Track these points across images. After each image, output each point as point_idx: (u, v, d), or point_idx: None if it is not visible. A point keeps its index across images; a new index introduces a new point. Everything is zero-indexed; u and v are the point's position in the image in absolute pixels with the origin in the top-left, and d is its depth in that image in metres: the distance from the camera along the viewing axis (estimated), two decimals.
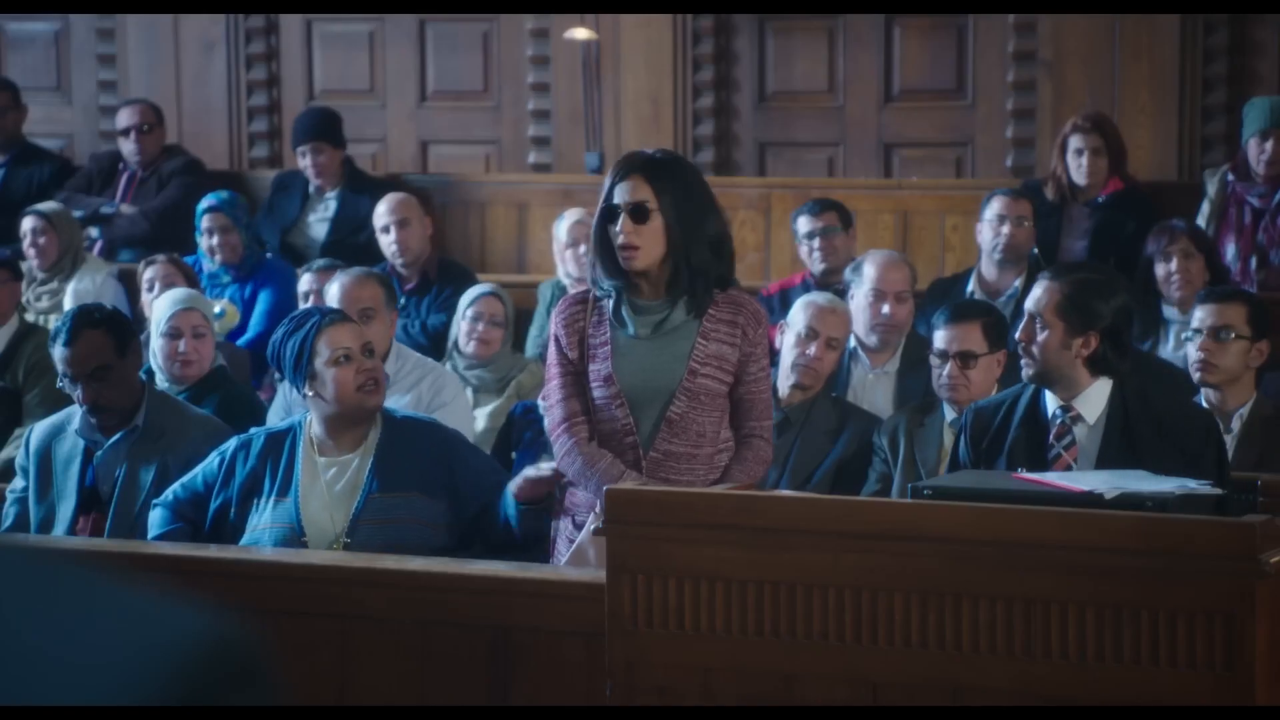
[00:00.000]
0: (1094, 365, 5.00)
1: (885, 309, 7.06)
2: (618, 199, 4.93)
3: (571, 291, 5.89)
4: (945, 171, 10.16)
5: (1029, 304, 5.07)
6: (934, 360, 6.27)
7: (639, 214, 4.93)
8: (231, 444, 5.41)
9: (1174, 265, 7.60)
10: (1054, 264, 5.56)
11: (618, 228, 4.92)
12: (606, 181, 5.02)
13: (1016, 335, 5.09)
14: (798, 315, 6.54)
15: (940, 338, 6.24)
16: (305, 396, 5.34)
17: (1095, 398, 5.01)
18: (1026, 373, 5.07)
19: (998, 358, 6.16)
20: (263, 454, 5.34)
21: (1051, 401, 5.04)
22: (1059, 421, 5.02)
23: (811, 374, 6.45)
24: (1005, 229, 7.85)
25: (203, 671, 1.24)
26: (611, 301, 5.06)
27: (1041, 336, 4.99)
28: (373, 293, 6.55)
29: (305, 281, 7.69)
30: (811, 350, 6.45)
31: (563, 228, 8.49)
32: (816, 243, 8.03)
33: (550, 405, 5.16)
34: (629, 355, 5.01)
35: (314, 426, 5.35)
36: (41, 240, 8.81)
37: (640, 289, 5.03)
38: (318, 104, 10.38)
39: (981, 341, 6.17)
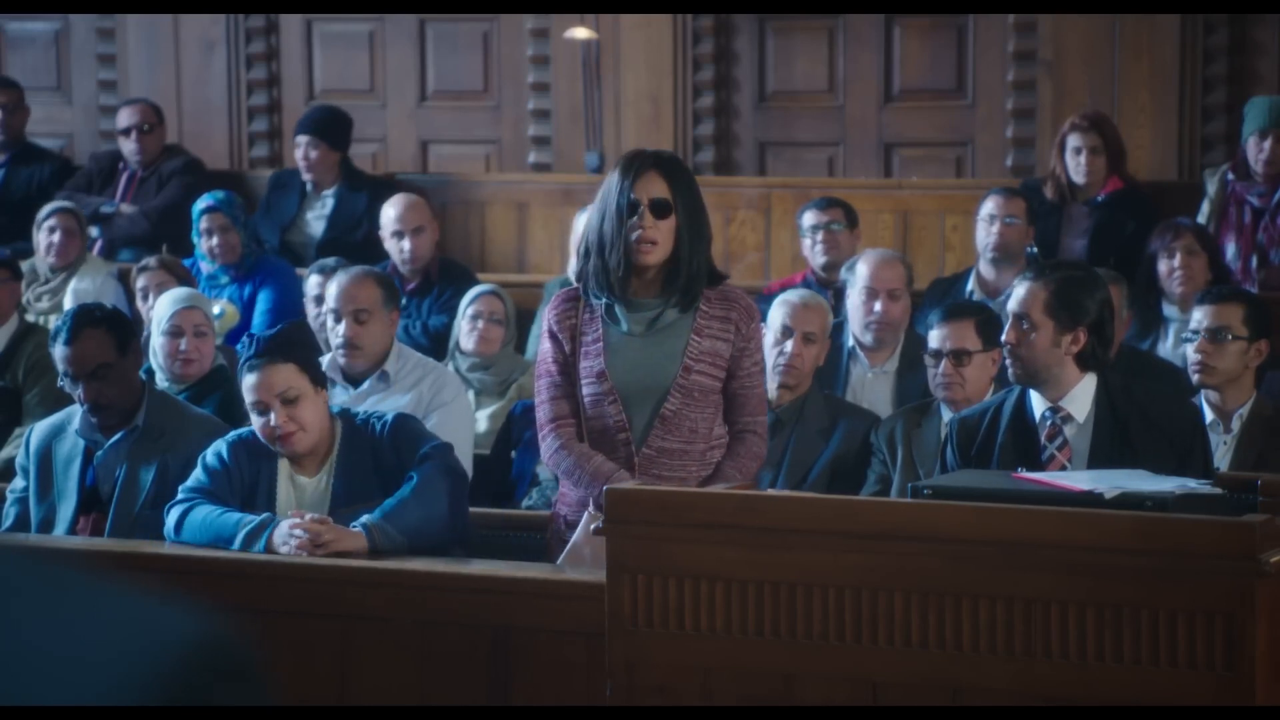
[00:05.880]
0: (1082, 361, 5.01)
1: (878, 306, 7.07)
2: (638, 194, 4.95)
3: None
4: (945, 171, 10.16)
5: (1013, 305, 5.05)
6: (928, 360, 6.28)
7: (661, 209, 4.96)
8: (222, 448, 5.35)
9: (1177, 261, 7.60)
10: (1032, 264, 5.55)
11: (639, 221, 4.94)
12: (616, 178, 5.01)
13: (1004, 338, 5.08)
14: (773, 315, 6.51)
15: (934, 337, 6.24)
16: None
17: (1082, 396, 5.01)
18: (1015, 374, 5.06)
19: (992, 356, 6.15)
20: (253, 461, 5.33)
21: (1039, 403, 5.03)
22: (1049, 423, 5.01)
23: (793, 372, 6.41)
24: (995, 228, 7.89)
25: (195, 671, 1.25)
26: (603, 301, 5.07)
27: (1032, 336, 4.99)
28: (370, 293, 6.52)
29: (314, 284, 7.65)
30: (788, 348, 6.42)
31: (582, 221, 8.47)
32: (820, 236, 8.04)
33: (539, 403, 5.16)
34: (622, 352, 5.02)
35: None
36: (63, 239, 8.75)
37: (633, 290, 5.04)
38: (325, 104, 10.35)
39: (975, 340, 6.18)
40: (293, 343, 5.33)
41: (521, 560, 5.18)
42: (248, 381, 5.28)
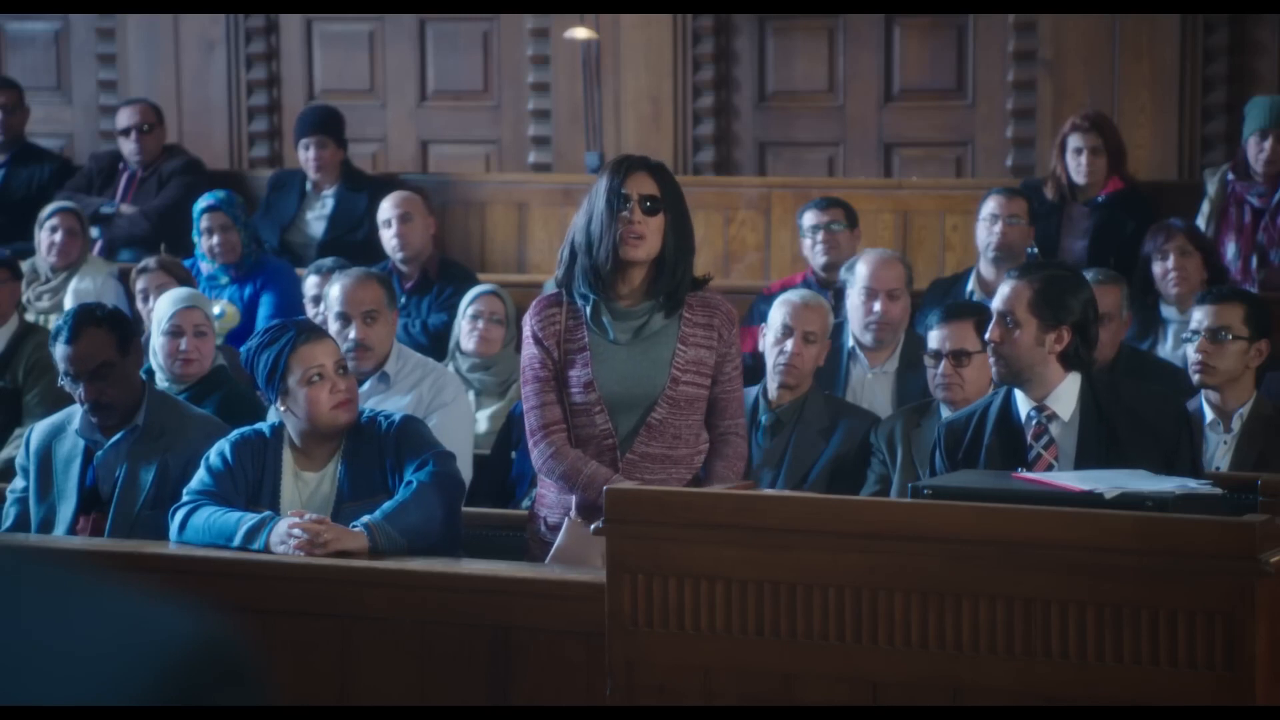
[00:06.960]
0: (1065, 360, 5.01)
1: (877, 306, 7.07)
2: (628, 190, 4.97)
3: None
4: (945, 171, 10.16)
5: (998, 304, 5.06)
6: (928, 360, 6.28)
7: (651, 206, 4.98)
8: (225, 447, 5.35)
9: (1170, 263, 7.61)
10: (1019, 264, 5.56)
11: (629, 215, 4.95)
12: (605, 179, 5.04)
13: (987, 336, 5.08)
14: (774, 315, 6.52)
15: (934, 337, 6.25)
16: (279, 410, 5.35)
17: (1067, 395, 5.01)
18: (998, 373, 5.07)
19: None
20: (256, 459, 5.33)
21: (1024, 403, 5.03)
22: (1034, 422, 5.01)
23: (794, 371, 6.41)
24: (998, 228, 7.89)
25: (191, 671, 1.25)
26: (589, 305, 5.07)
27: (1015, 334, 5.00)
28: (375, 294, 6.53)
29: (312, 285, 7.65)
30: (789, 347, 6.42)
31: None
32: (820, 236, 8.04)
33: (527, 409, 5.15)
34: (609, 361, 5.04)
35: (291, 437, 5.35)
36: (65, 238, 8.76)
37: (618, 293, 5.05)
38: (320, 104, 10.37)
39: (975, 340, 6.18)
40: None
41: (521, 560, 5.18)
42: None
